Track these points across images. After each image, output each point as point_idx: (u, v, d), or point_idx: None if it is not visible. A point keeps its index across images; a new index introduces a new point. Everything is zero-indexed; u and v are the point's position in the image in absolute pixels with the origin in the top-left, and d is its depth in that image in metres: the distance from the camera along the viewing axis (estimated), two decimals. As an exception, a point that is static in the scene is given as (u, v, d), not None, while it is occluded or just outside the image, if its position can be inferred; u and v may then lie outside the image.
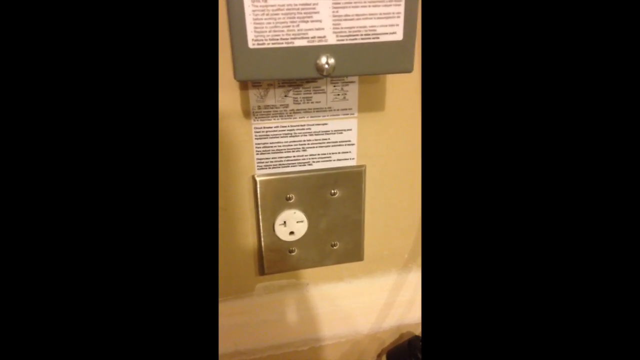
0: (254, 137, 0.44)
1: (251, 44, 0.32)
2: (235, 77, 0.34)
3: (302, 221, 0.47)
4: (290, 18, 0.32)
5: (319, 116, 0.44)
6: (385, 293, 0.56)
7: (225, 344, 0.52)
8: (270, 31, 0.32)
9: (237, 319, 0.52)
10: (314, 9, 0.32)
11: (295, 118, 0.44)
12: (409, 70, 0.36)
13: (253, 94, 0.42)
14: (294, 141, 0.45)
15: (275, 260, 0.49)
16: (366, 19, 0.33)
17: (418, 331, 0.59)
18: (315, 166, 0.46)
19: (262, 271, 0.50)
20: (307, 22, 0.32)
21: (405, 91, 0.45)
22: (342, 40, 0.33)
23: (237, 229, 0.48)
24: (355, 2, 0.32)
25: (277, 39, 0.32)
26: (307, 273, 0.52)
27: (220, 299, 0.51)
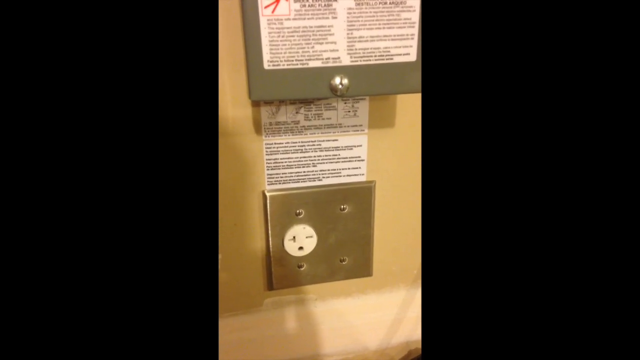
0: (264, 152, 0.44)
1: (266, 65, 0.32)
2: (250, 97, 0.34)
3: (311, 236, 0.47)
4: (305, 40, 0.32)
5: (330, 132, 0.44)
6: (394, 309, 0.55)
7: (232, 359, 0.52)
8: (285, 52, 0.32)
9: (244, 334, 0.52)
10: (329, 30, 0.32)
11: (305, 134, 0.44)
12: (419, 90, 0.36)
13: (265, 110, 0.42)
14: (305, 157, 0.45)
15: (284, 276, 0.49)
16: (380, 40, 0.33)
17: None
18: (325, 182, 0.46)
19: (270, 286, 0.50)
20: (322, 43, 0.33)
21: (415, 108, 0.45)
22: (356, 61, 0.33)
23: (246, 244, 0.48)
24: (369, 24, 0.32)
25: (292, 60, 0.33)
26: (316, 288, 0.52)
27: (227, 314, 0.51)
